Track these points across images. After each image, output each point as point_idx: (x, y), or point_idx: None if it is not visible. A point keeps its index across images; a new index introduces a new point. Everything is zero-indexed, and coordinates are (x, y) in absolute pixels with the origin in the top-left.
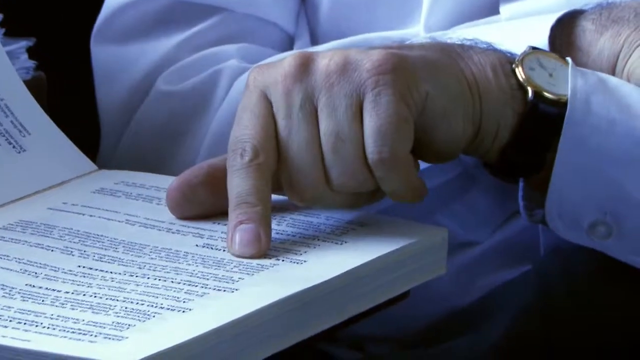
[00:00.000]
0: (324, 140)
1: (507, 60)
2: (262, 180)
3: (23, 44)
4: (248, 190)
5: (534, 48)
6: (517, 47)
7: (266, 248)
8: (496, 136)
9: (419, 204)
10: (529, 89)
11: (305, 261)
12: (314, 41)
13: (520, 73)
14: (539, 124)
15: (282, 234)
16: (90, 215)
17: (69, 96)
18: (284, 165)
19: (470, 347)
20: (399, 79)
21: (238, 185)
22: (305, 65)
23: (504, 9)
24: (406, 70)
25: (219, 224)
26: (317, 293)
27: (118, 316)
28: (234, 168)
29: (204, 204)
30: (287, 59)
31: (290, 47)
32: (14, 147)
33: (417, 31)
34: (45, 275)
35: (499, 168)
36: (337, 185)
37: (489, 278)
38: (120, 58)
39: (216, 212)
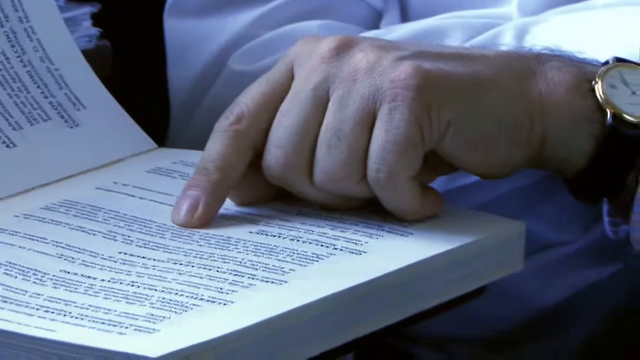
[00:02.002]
0: (322, 132)
1: (586, 78)
2: (232, 148)
3: (86, 9)
4: (211, 156)
5: (619, 59)
6: (605, 53)
7: (201, 220)
8: (567, 159)
9: (504, 205)
10: (608, 111)
11: (365, 252)
12: (404, 17)
13: (599, 92)
14: (619, 147)
15: (343, 222)
16: (141, 198)
17: (137, 68)
18: (269, 137)
19: (557, 349)
20: (419, 98)
21: (208, 148)
22: (340, 49)
23: None
24: (432, 91)
25: (278, 210)
26: (374, 287)
27: (153, 307)
28: (214, 129)
29: (264, 187)
30: (328, 38)
31: (377, 23)
32: (66, 121)
33: (509, 11)
34: (83, 261)
35: (576, 189)
36: (318, 182)
37: (577, 277)
38: (194, 33)
39: (277, 195)
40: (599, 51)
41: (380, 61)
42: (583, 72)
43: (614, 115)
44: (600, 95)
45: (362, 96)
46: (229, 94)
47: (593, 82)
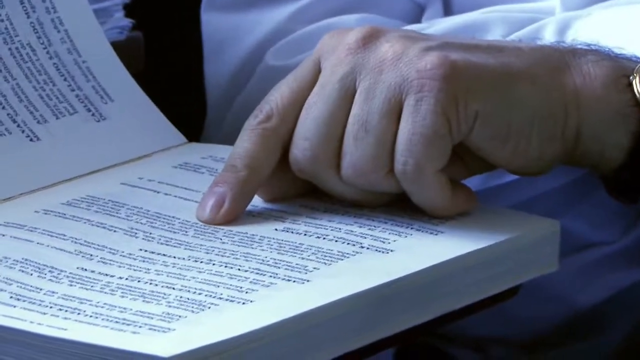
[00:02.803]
0: (350, 124)
1: (623, 73)
2: (261, 146)
3: (119, 0)
4: (240, 154)
5: None
6: None
7: (226, 218)
8: (603, 155)
9: (544, 204)
10: None
11: (392, 251)
12: (447, 11)
13: (636, 87)
14: None
15: (372, 220)
16: (166, 194)
17: (170, 61)
18: (296, 130)
19: (594, 351)
20: (447, 89)
21: (237, 146)
22: (367, 40)
23: None
24: (459, 82)
25: (305, 207)
26: (401, 287)
27: (170, 306)
28: (244, 127)
29: (292, 183)
30: (355, 29)
31: (418, 18)
32: (93, 114)
33: (552, 5)
34: (101, 258)
35: (613, 188)
36: (345, 176)
37: (616, 278)
38: (231, 28)
39: (305, 192)
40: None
41: (406, 51)
42: (620, 66)
43: None
44: (637, 91)
45: (388, 87)
46: (265, 89)
47: (631, 77)
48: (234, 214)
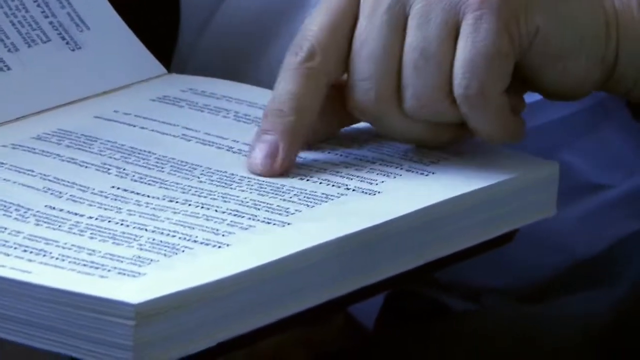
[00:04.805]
0: (406, 54)
1: None
2: (308, 87)
3: None
4: (285, 96)
5: None
6: None
7: (282, 167)
8: (637, 82)
9: (540, 137)
10: None
11: (379, 192)
12: None
13: None
14: None
15: (360, 159)
16: (142, 127)
17: None
18: (352, 72)
19: (591, 303)
20: (507, 5)
21: (280, 88)
22: None
23: None
24: None
25: None
26: (387, 231)
27: (142, 249)
28: (283, 68)
29: (329, 125)
30: None
31: None
32: (67, 43)
33: None
34: (71, 196)
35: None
36: (409, 109)
37: (618, 227)
38: None
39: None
40: None
41: None
42: None
43: None
44: None
45: (443, 8)
46: (246, 7)
47: None
48: (289, 162)
